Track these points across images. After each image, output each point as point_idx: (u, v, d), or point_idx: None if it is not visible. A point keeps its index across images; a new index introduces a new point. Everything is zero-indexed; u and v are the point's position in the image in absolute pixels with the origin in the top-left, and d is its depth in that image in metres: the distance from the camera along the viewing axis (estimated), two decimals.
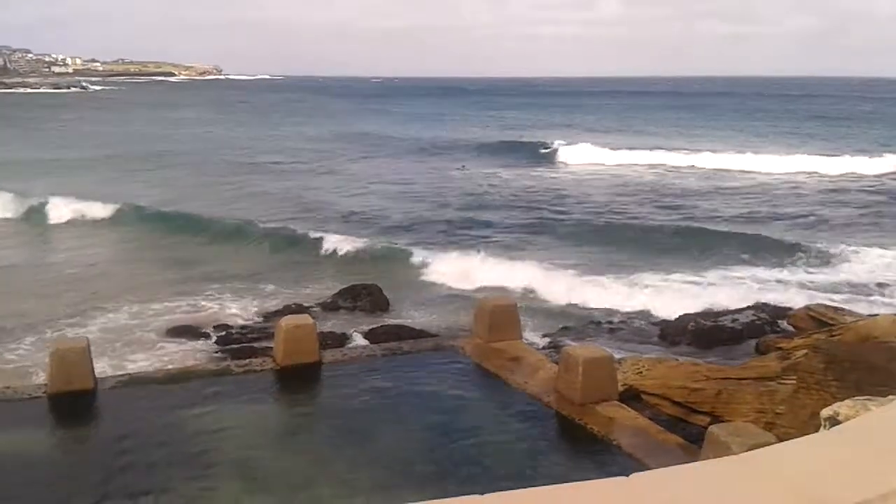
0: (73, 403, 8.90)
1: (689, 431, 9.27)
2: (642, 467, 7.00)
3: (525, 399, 9.00)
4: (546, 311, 17.82)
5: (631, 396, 10.03)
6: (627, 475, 3.92)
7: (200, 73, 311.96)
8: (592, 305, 18.26)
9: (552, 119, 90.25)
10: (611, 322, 17.05)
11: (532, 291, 19.16)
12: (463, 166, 46.49)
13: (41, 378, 11.08)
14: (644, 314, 17.47)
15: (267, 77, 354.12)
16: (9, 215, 30.02)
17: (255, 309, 18.22)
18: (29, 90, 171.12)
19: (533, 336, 15.14)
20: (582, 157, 49.55)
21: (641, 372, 10.72)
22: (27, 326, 16.51)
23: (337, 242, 24.55)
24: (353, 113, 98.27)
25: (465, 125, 79.60)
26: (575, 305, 18.36)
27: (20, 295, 19.12)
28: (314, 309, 17.72)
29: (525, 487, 3.83)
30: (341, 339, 15.57)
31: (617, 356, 10.51)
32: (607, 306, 18.13)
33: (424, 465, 7.60)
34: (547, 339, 15.45)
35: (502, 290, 18.60)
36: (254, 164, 46.88)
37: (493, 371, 9.80)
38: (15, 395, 9.15)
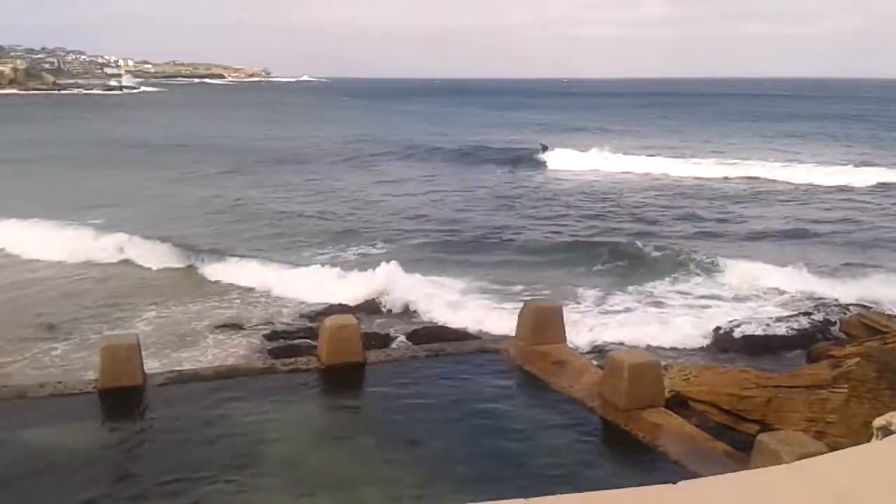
0: (123, 399, 9.05)
1: (737, 439, 9.11)
2: (689, 475, 6.88)
3: (569, 403, 8.92)
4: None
5: (678, 403, 9.89)
6: (674, 482, 3.85)
7: (249, 75, 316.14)
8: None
9: (561, 120, 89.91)
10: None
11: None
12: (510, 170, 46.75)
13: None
14: (691, 320, 17.20)
15: (311, 79, 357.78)
16: None
17: (300, 307, 18.42)
18: (83, 91, 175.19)
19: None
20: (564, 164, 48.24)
21: (689, 378, 10.57)
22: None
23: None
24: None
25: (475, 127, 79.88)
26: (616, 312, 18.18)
27: None
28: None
29: (569, 493, 3.79)
30: (384, 340, 15.64)
31: (663, 362, 10.35)
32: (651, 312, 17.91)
33: (467, 467, 7.58)
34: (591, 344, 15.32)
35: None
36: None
37: (536, 374, 9.74)
38: (66, 389, 9.34)
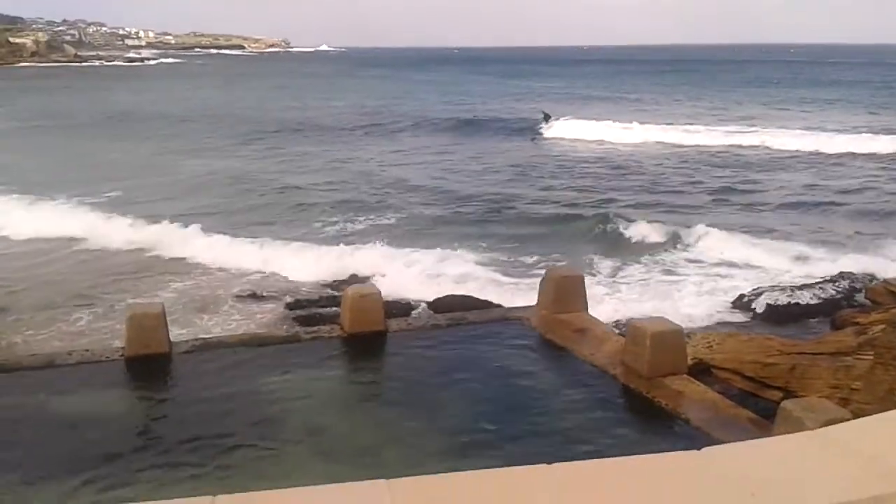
0: (149, 366, 9.17)
1: (760, 406, 9.06)
2: (712, 441, 6.89)
3: (591, 371, 8.92)
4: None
5: (700, 371, 9.85)
6: (698, 449, 3.86)
7: (269, 46, 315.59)
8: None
9: (575, 89, 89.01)
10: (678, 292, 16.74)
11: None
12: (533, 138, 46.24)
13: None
14: (712, 287, 17.11)
15: (330, 49, 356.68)
16: None
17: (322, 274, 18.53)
18: (104, 63, 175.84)
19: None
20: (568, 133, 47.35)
21: (712, 346, 10.53)
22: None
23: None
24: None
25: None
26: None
27: None
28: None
29: (589, 459, 3.80)
30: (406, 309, 15.68)
31: (686, 330, 10.31)
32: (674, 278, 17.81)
33: (489, 434, 7.62)
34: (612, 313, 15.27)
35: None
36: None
37: (558, 342, 9.74)
38: (94, 357, 9.48)
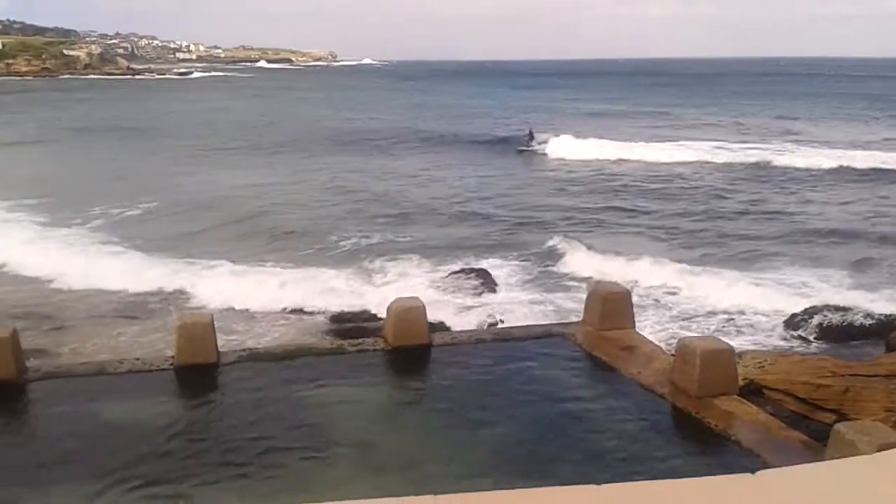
0: (198, 376, 9.29)
1: (812, 429, 8.86)
2: (762, 464, 6.76)
3: (638, 390, 8.79)
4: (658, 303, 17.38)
5: (751, 391, 9.66)
6: (747, 472, 3.78)
7: (316, 59, 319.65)
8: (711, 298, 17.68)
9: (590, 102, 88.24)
10: (729, 313, 16.46)
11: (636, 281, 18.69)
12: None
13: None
14: (766, 307, 16.77)
15: (373, 62, 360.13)
16: None
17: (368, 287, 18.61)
18: (155, 75, 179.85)
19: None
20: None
21: (763, 366, 10.32)
22: None
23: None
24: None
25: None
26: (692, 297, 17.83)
27: None
28: (424, 291, 17.91)
29: (637, 480, 3.74)
30: (451, 323, 15.67)
31: (737, 349, 10.13)
32: (725, 298, 17.51)
33: (534, 451, 7.55)
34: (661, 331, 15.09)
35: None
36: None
37: (604, 360, 9.62)
38: (144, 366, 9.64)
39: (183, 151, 45.99)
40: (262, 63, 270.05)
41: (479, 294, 18.06)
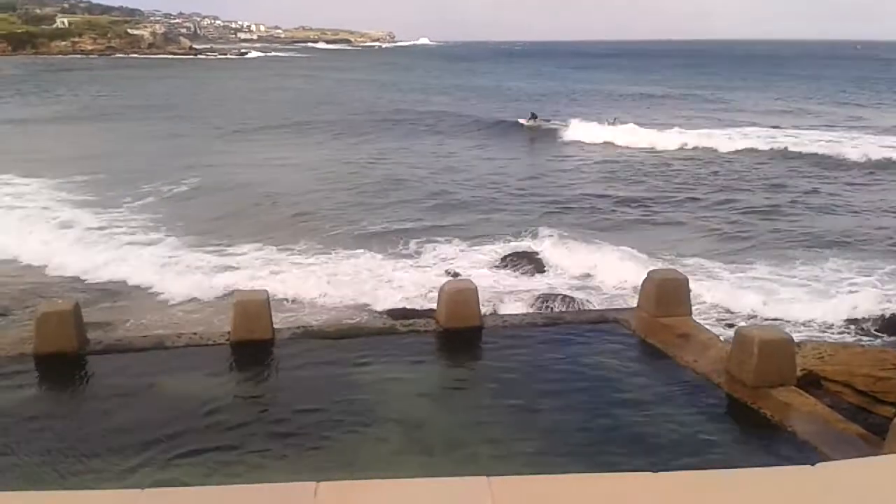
0: (253, 351, 9.44)
1: (871, 422, 8.60)
2: (819, 456, 6.61)
3: (693, 378, 8.65)
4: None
5: (809, 382, 9.40)
6: (803, 463, 3.70)
7: (374, 40, 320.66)
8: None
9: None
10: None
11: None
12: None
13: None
14: (828, 298, 16.35)
15: (430, 42, 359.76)
16: None
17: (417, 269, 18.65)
18: (217, 55, 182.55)
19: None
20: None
21: (823, 357, 10.05)
22: None
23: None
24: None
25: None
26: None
27: None
28: (477, 272, 17.93)
29: (690, 469, 3.68)
30: (503, 305, 15.64)
31: (796, 339, 9.89)
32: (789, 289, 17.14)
33: (584, 435, 7.50)
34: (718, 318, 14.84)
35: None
36: None
37: (659, 347, 9.48)
38: (201, 340, 9.83)
39: (230, 130, 47.02)
40: (321, 44, 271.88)
41: (530, 276, 17.98)
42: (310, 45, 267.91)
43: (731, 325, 13.44)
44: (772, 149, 39.04)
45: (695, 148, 39.80)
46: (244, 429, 7.60)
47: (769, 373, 8.19)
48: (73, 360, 9.16)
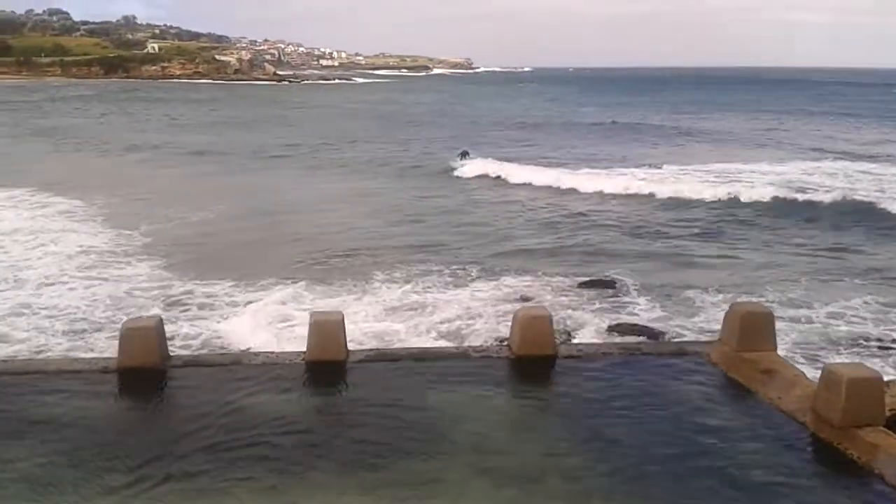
0: (326, 372, 9.53)
1: None
2: None
3: (777, 416, 8.32)
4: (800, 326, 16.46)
5: None
6: None
7: (452, 66, 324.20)
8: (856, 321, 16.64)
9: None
10: (880, 340, 15.42)
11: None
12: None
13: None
14: None
15: (510, 69, 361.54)
16: None
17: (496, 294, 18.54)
18: (302, 81, 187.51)
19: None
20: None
21: None
22: None
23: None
24: None
25: None
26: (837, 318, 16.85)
27: None
28: (553, 299, 17.75)
29: None
30: (578, 334, 15.43)
31: (886, 378, 9.43)
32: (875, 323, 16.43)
33: (662, 473, 7.27)
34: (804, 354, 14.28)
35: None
36: None
37: (741, 382, 9.16)
38: (276, 359, 9.98)
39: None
40: (404, 71, 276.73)
41: (609, 306, 17.70)
42: (388, 71, 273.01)
43: (817, 362, 12.94)
44: None
45: None
46: (311, 449, 7.66)
47: (857, 412, 7.82)
48: (155, 374, 9.41)
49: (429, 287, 19.15)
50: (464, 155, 45.89)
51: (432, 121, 79.56)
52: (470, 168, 41.96)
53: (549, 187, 35.88)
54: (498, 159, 43.11)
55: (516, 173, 39.20)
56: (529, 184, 37.03)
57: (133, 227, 26.12)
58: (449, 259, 22.13)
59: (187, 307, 17.70)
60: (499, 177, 39.15)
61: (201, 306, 17.76)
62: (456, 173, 41.43)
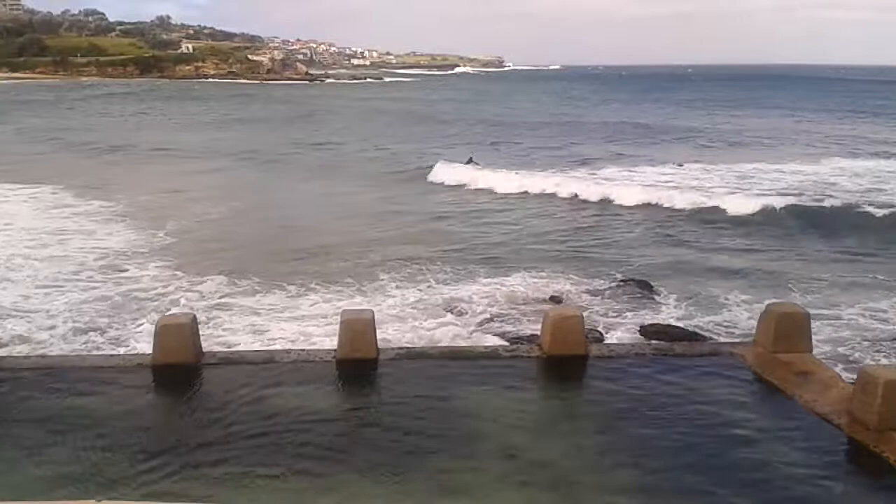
0: (357, 369, 9.58)
1: None
2: None
3: (812, 419, 8.21)
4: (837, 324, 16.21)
5: None
6: None
7: (483, 65, 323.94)
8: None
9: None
10: None
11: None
12: None
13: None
14: None
15: (542, 67, 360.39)
16: None
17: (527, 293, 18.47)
18: (333, 80, 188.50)
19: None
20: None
21: None
22: None
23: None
24: None
25: None
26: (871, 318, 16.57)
27: None
28: (584, 298, 17.65)
29: None
30: (609, 334, 15.33)
31: None
32: None
33: (694, 475, 7.22)
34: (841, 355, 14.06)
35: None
36: None
37: (776, 384, 9.05)
38: (309, 357, 10.05)
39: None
40: (434, 70, 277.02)
41: (639, 307, 17.55)
42: (419, 70, 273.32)
43: (853, 364, 12.73)
44: None
45: None
46: (342, 446, 7.72)
47: (894, 415, 7.71)
48: (190, 371, 9.53)
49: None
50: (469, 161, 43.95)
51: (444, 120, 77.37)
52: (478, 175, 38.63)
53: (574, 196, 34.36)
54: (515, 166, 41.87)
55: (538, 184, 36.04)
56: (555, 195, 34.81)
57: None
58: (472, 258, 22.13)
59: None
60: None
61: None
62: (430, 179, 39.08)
